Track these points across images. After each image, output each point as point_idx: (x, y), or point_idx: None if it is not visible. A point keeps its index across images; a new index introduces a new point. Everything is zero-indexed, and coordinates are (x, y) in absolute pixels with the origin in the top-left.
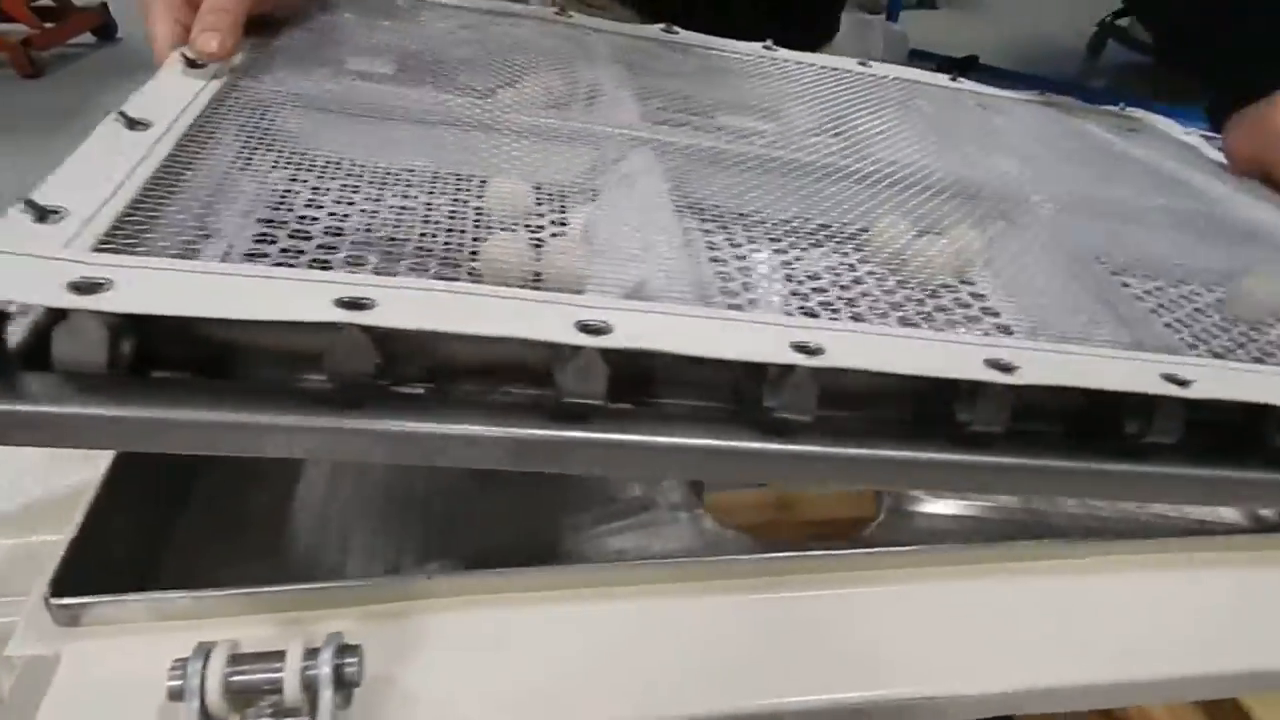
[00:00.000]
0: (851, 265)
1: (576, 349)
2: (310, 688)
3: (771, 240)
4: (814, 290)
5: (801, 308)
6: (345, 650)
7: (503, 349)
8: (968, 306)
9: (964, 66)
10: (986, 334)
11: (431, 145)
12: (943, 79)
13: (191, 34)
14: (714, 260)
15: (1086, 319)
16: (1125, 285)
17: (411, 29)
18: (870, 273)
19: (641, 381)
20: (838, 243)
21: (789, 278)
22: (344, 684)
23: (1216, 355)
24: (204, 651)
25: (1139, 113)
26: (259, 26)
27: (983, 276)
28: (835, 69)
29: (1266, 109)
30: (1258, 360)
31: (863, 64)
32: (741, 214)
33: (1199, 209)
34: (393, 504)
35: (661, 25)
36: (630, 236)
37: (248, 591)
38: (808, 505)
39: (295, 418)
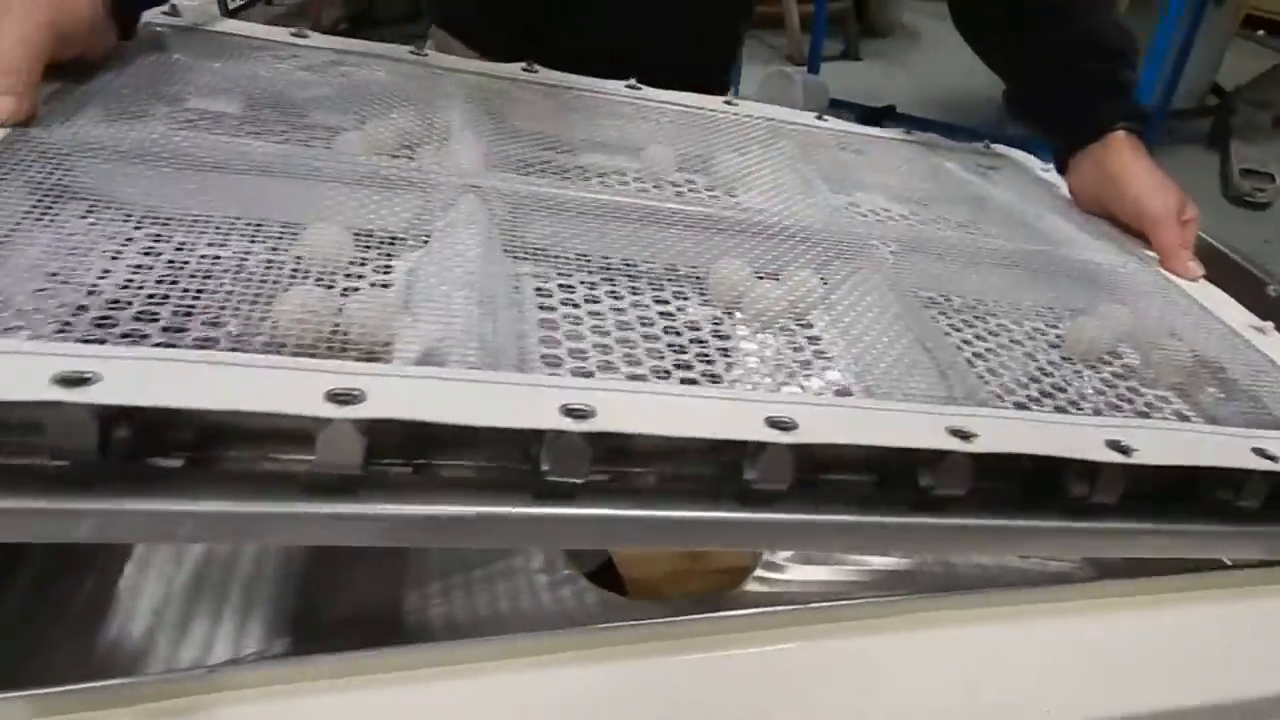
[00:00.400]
0: (682, 310)
1: (327, 420)
2: None
3: (606, 282)
4: (619, 341)
5: (603, 362)
6: None
7: (262, 421)
8: (800, 350)
9: (881, 116)
10: (788, 385)
11: (254, 192)
12: (809, 117)
13: None
14: (542, 308)
15: (908, 365)
16: (954, 330)
17: (249, 69)
18: (689, 324)
19: (420, 445)
20: (677, 286)
21: (596, 329)
22: None
23: (1020, 406)
24: None
25: (1002, 149)
26: (69, 68)
27: (821, 320)
28: (700, 108)
29: (1100, 151)
30: (1061, 410)
31: (729, 102)
32: (574, 258)
33: (1041, 250)
34: (234, 585)
35: (522, 64)
36: (449, 290)
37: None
38: (718, 555)
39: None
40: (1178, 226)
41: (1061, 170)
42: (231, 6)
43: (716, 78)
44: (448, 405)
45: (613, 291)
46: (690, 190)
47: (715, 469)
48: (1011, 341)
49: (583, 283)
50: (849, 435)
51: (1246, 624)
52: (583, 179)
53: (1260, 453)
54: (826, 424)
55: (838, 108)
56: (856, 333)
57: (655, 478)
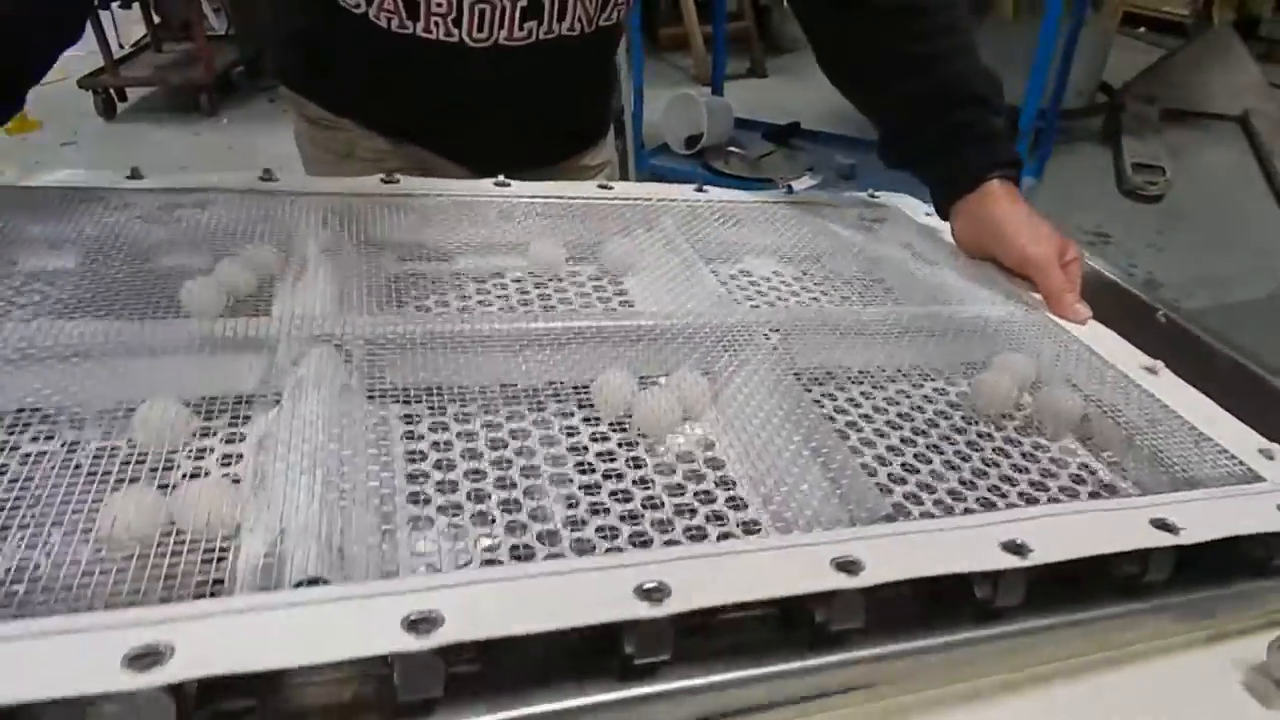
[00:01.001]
0: (572, 434)
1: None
2: None
3: (484, 411)
4: (499, 505)
5: (479, 510)
6: None
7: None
8: (691, 461)
9: (787, 134)
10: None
11: (83, 377)
12: (688, 191)
13: None
14: (410, 456)
15: (806, 486)
16: (845, 413)
17: (83, 223)
18: (578, 463)
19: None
20: (562, 405)
21: (473, 478)
22: None
23: (913, 498)
24: None
25: (884, 199)
26: None
27: (716, 432)
28: (575, 197)
29: (977, 201)
30: (955, 493)
31: (603, 187)
32: (445, 391)
33: (931, 310)
34: None
35: (381, 175)
36: (294, 475)
37: None
38: None
39: None
40: (1060, 271)
41: (943, 216)
42: (117, 56)
43: (592, 121)
44: (271, 647)
45: (491, 423)
46: (575, 284)
47: (593, 647)
48: (913, 408)
49: (457, 417)
50: (726, 594)
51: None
52: (459, 291)
53: (1160, 524)
54: (707, 584)
55: (743, 126)
56: (750, 442)
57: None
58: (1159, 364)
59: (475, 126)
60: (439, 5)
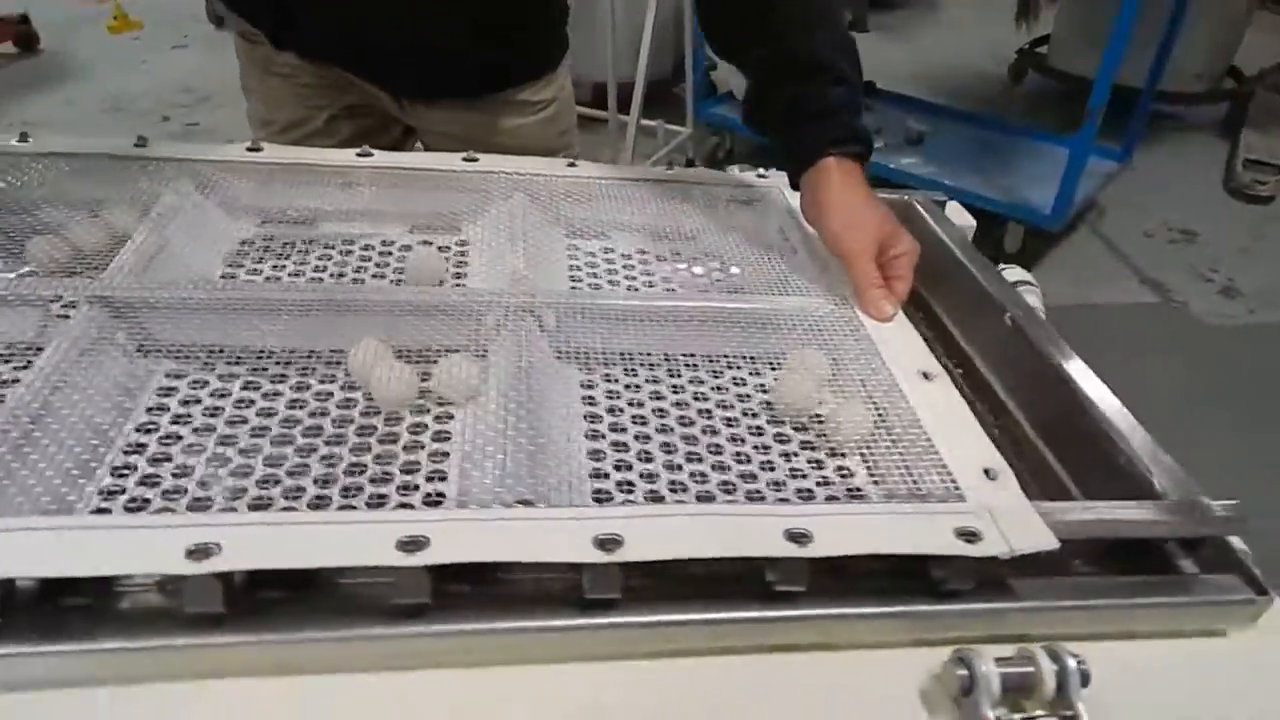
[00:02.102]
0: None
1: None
2: None
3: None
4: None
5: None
6: None
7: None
8: (420, 431)
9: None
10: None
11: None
12: (560, 166)
13: None
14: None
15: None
16: (610, 396)
17: None
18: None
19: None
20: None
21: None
22: None
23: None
24: None
25: (771, 178)
26: None
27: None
28: (442, 169)
29: (813, 178)
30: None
31: (469, 159)
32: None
33: (742, 305)
34: None
35: (247, 144)
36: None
37: None
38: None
39: None
40: (870, 264)
41: (794, 189)
42: None
43: (523, 55)
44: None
45: (251, 383)
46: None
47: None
48: (696, 396)
49: (220, 376)
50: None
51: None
52: (305, 252)
53: (792, 535)
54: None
55: None
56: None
57: None
58: (938, 370)
59: (388, 51)
60: None
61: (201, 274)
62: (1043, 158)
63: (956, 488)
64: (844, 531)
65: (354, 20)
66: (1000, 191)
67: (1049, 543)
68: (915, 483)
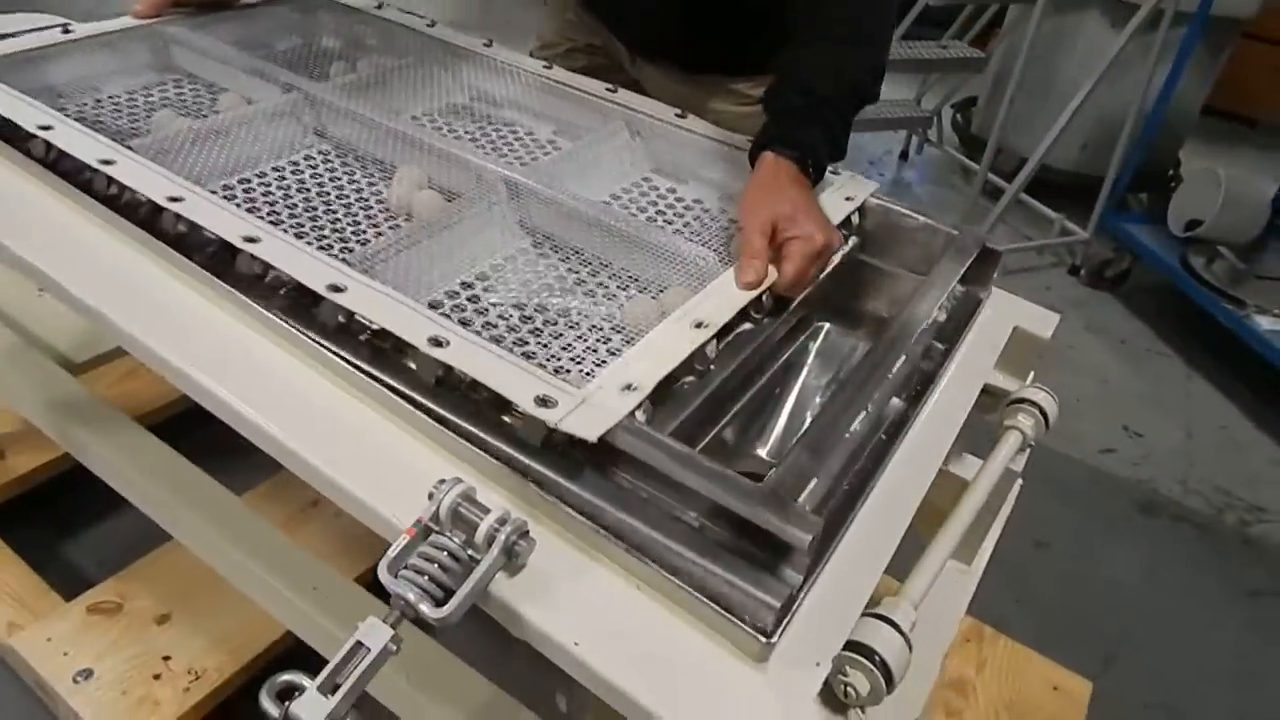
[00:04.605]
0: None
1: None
2: None
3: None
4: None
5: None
6: None
7: None
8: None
9: None
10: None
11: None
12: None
13: None
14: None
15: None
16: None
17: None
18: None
19: None
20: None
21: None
22: None
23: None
24: None
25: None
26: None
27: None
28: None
29: (756, 160)
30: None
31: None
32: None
33: (662, 243)
34: None
35: (484, 39)
36: None
37: None
38: None
39: None
40: (756, 237)
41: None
42: None
43: (737, 56)
44: None
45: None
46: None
47: None
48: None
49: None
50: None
51: None
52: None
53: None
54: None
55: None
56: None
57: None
58: (715, 325)
59: (627, 17)
60: None
61: (397, 110)
62: None
63: (587, 377)
64: (479, 358)
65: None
66: None
67: (587, 434)
68: (575, 364)
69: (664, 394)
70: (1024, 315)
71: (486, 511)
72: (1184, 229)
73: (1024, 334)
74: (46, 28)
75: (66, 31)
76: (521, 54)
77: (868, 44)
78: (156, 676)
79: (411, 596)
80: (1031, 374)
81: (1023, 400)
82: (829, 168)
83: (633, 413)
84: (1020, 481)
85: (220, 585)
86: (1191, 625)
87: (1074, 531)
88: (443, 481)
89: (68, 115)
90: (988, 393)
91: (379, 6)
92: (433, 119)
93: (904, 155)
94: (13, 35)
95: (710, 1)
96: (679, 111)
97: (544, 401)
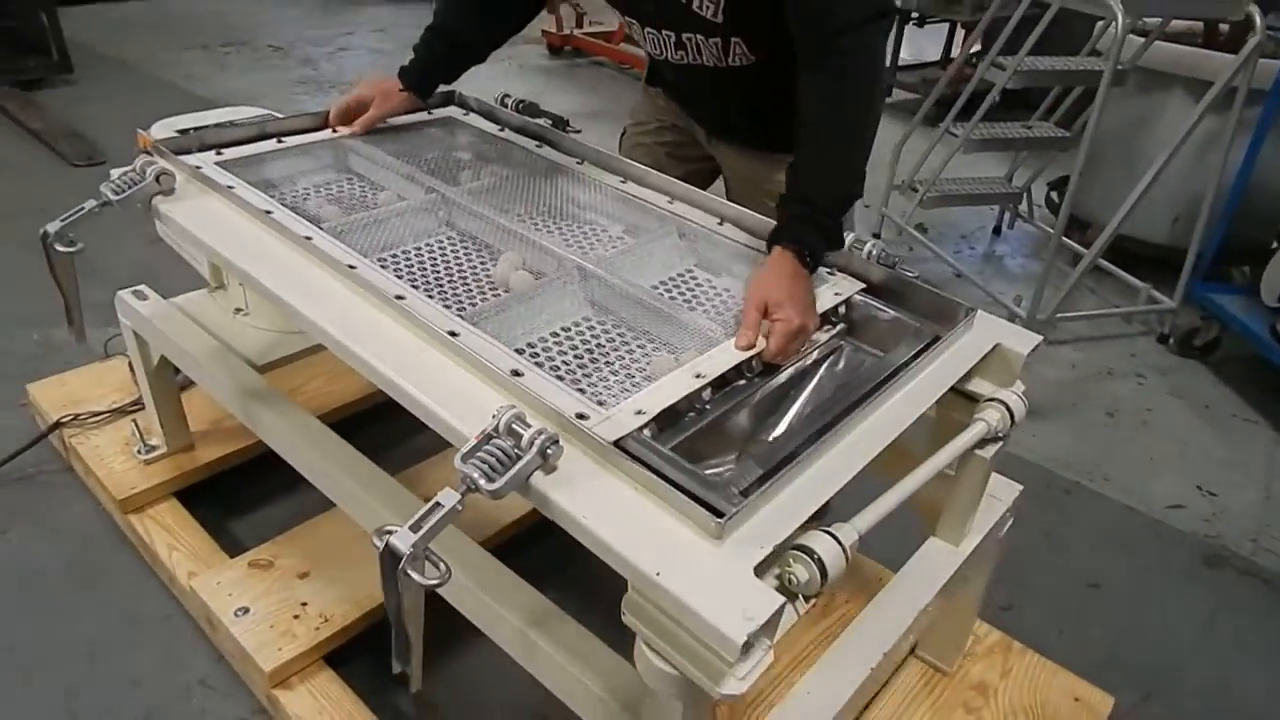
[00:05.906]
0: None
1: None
2: None
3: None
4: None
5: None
6: None
7: None
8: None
9: None
10: None
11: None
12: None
13: None
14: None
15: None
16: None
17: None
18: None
19: None
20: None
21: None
22: None
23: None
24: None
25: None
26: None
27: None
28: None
29: (769, 255)
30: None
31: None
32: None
33: (676, 316)
34: None
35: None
36: None
37: None
38: None
39: None
40: (753, 312)
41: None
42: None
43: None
44: None
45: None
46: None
47: None
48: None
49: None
50: None
51: None
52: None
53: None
54: None
55: None
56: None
57: None
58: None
59: (699, 105)
60: (642, 41)
61: (505, 209)
62: None
63: (615, 405)
64: (544, 386)
65: (683, 83)
66: None
67: (607, 438)
68: (610, 396)
69: (670, 421)
70: (1006, 335)
71: (530, 426)
72: (1278, 299)
73: (1006, 351)
74: (257, 120)
75: (280, 141)
76: (608, 161)
77: (859, 144)
78: (295, 617)
79: (475, 475)
80: (1019, 384)
81: (994, 400)
82: (838, 263)
83: (640, 429)
84: (1021, 487)
85: (348, 552)
86: (1242, 675)
87: (1131, 576)
88: (503, 406)
89: (284, 202)
90: (970, 398)
91: (501, 130)
92: (531, 217)
93: (997, 230)
94: (233, 123)
95: (760, 95)
96: (719, 219)
97: (582, 416)
